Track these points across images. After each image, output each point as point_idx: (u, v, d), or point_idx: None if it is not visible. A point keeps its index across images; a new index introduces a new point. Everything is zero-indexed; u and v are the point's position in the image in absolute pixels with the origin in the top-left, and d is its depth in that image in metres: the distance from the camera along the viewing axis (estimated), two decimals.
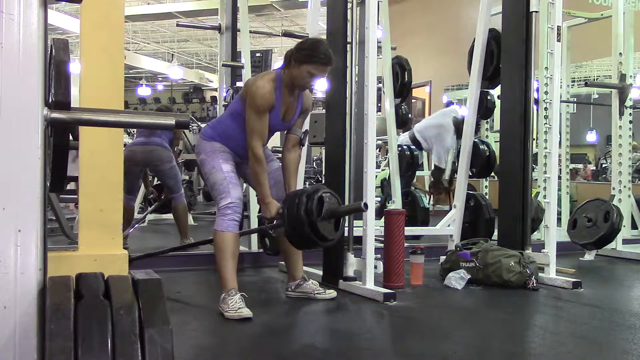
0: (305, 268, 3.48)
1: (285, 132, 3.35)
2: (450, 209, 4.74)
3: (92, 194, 2.40)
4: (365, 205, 3.13)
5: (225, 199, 3.06)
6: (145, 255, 3.85)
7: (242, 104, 3.13)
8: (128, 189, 4.89)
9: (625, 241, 5.28)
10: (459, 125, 5.91)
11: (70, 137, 2.23)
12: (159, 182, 5.99)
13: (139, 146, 4.95)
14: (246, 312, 2.89)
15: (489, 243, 4.04)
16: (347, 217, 3.69)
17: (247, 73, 4.93)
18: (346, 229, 3.66)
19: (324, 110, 4.12)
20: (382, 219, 3.82)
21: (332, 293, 3.37)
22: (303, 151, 4.61)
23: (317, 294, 3.34)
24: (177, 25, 9.24)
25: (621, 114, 5.27)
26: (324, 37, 3.95)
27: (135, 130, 7.08)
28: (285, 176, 3.29)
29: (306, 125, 3.62)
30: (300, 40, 3.31)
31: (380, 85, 5.61)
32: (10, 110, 1.32)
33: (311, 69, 3.06)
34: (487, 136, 6.17)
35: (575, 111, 9.10)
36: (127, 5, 4.75)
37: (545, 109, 4.88)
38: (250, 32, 5.38)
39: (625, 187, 5.29)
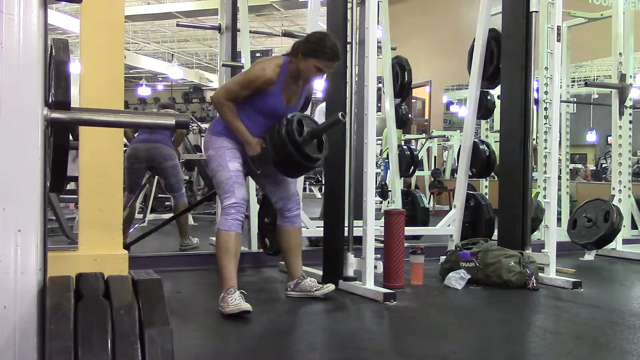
0: (305, 268, 3.48)
1: None
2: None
3: (92, 194, 2.40)
4: (343, 115, 3.11)
5: (229, 198, 3.06)
6: (141, 236, 3.88)
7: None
8: (130, 187, 4.90)
9: (625, 241, 5.29)
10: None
11: (70, 137, 2.23)
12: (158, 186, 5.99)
13: (142, 143, 4.95)
14: (245, 305, 2.89)
15: (489, 243, 4.04)
16: (346, 215, 3.69)
17: None
18: (346, 229, 3.66)
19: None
20: (382, 219, 3.82)
21: (329, 287, 3.36)
22: None
23: (315, 290, 3.34)
24: (177, 25, 9.23)
25: (621, 114, 5.27)
26: None
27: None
28: None
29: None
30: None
31: (380, 85, 5.61)
32: (10, 110, 1.32)
33: (317, 63, 3.08)
34: (487, 136, 6.18)
35: (575, 111, 9.10)
36: (127, 5, 4.75)
37: (545, 109, 4.89)
38: (250, 32, 5.38)
39: (625, 187, 5.30)
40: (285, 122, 3.06)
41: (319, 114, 5.32)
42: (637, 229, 5.99)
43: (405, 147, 6.22)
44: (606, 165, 9.92)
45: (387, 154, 6.54)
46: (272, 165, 3.18)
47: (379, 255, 3.55)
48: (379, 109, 5.28)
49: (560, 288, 3.74)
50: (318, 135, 3.17)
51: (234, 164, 3.12)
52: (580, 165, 11.11)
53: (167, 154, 4.98)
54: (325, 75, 3.24)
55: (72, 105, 1.39)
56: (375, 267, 3.46)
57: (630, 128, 5.43)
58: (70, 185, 5.48)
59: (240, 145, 3.18)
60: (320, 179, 10.96)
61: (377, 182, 6.67)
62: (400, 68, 5.74)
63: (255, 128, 3.15)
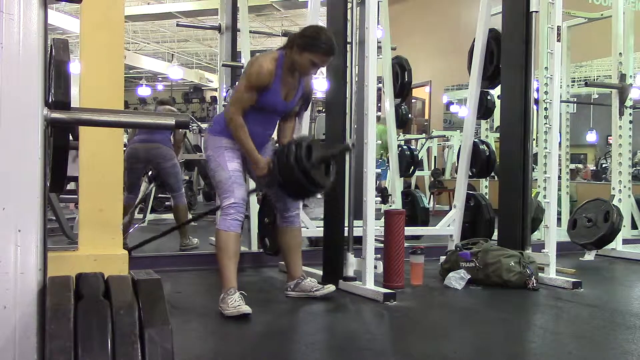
0: (305, 268, 3.48)
1: None
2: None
3: (92, 194, 2.41)
4: (353, 144, 3.12)
5: (228, 198, 3.06)
6: (144, 241, 3.88)
7: None
8: (129, 187, 4.90)
9: (625, 241, 5.28)
10: None
11: (70, 137, 2.23)
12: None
13: (141, 143, 4.95)
14: (245, 308, 2.89)
15: (489, 243, 4.04)
16: (347, 216, 3.69)
17: None
18: (346, 229, 3.66)
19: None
20: (382, 219, 3.82)
21: (330, 287, 3.36)
22: None
23: (315, 290, 3.34)
24: (177, 25, 9.23)
25: (621, 114, 5.27)
26: None
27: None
28: (280, 137, 3.35)
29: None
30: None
31: (380, 85, 5.61)
32: (10, 110, 1.32)
33: (312, 57, 3.07)
34: (487, 136, 6.18)
35: (575, 111, 9.09)
36: (127, 5, 4.75)
37: (545, 109, 4.88)
38: (250, 32, 5.38)
39: (625, 187, 5.30)
40: (294, 148, 3.06)
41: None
42: (637, 229, 5.99)
43: (405, 147, 6.22)
44: (606, 165, 9.92)
45: (387, 156, 6.54)
46: (278, 187, 3.18)
47: (379, 255, 3.55)
48: (379, 109, 5.28)
49: (560, 288, 3.74)
50: (326, 161, 3.19)
51: (232, 164, 3.12)
52: (580, 165, 11.11)
53: (166, 154, 4.98)
54: (322, 70, 3.24)
55: (72, 105, 1.39)
56: (375, 267, 3.46)
57: (630, 128, 5.43)
58: (70, 185, 5.48)
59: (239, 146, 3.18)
60: None
61: (377, 185, 6.67)
62: (400, 68, 5.74)
63: (257, 128, 3.15)
